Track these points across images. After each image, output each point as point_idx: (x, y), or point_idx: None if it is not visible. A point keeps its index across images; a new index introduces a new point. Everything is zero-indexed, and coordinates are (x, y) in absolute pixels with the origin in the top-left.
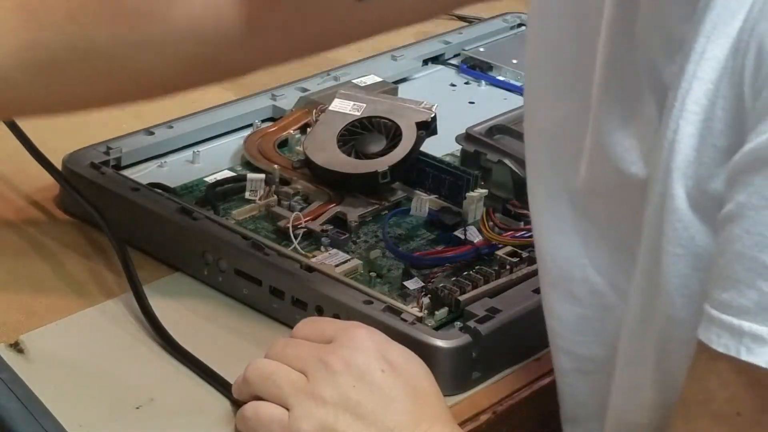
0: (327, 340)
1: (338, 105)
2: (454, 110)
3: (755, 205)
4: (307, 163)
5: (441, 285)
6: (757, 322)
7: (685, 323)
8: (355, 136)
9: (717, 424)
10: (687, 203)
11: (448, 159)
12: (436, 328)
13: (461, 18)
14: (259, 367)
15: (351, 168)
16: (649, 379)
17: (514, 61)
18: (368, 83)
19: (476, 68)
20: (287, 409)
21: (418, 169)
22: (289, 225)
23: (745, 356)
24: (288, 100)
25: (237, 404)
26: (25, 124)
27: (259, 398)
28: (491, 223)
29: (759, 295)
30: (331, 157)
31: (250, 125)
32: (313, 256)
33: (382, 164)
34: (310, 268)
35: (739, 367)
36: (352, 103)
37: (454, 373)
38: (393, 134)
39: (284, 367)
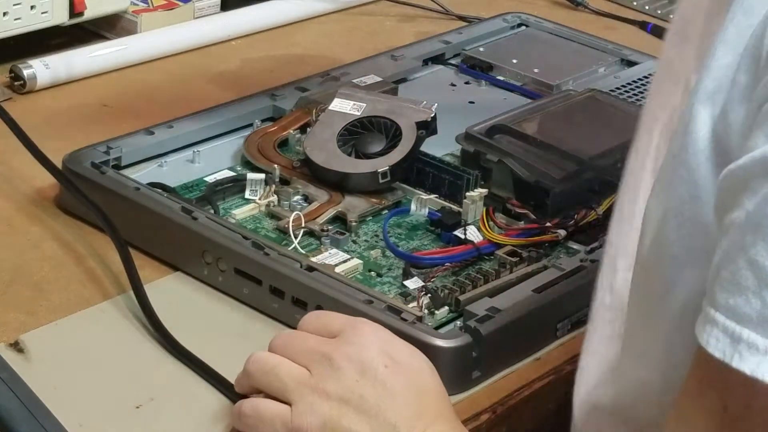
0: (332, 335)
1: (338, 105)
2: (454, 110)
3: None
4: (307, 163)
5: (441, 285)
6: (757, 332)
7: (671, 245)
8: (355, 135)
9: (708, 418)
10: (708, 129)
11: (448, 159)
12: (437, 328)
13: (461, 18)
14: (261, 360)
15: (351, 168)
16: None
17: (514, 61)
18: (368, 83)
19: (476, 68)
20: (288, 404)
21: (418, 169)
22: (289, 225)
23: (736, 363)
24: (288, 100)
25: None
26: (26, 124)
27: (257, 392)
28: (491, 223)
29: (762, 305)
30: (331, 157)
31: (250, 125)
32: (313, 256)
33: (382, 164)
34: (310, 268)
35: (732, 372)
36: (352, 102)
37: (455, 373)
38: (393, 134)
39: (286, 361)
